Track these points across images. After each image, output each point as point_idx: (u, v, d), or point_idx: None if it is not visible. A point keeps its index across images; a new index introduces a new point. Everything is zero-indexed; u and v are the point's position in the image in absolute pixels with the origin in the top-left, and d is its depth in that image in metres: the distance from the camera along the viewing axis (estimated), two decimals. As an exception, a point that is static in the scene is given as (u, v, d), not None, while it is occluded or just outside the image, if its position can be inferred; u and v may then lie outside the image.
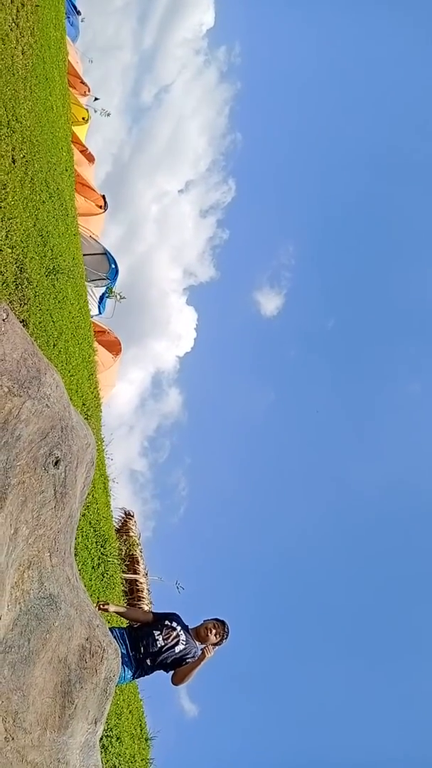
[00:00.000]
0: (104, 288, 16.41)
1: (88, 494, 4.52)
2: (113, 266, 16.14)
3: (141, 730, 7.88)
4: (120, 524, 12.98)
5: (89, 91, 19.38)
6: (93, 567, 7.41)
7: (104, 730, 4.84)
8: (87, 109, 18.37)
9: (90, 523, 7.68)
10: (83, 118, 17.69)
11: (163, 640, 4.33)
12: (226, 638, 4.56)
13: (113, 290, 16.47)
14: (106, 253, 16.13)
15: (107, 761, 5.54)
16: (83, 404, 8.36)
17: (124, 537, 12.48)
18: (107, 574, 8.08)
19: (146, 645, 4.32)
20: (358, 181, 39.66)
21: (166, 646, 4.31)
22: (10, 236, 5.92)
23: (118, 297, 16.52)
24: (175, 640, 4.34)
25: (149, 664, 4.32)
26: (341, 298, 40.17)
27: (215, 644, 4.51)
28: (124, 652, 4.21)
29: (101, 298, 16.51)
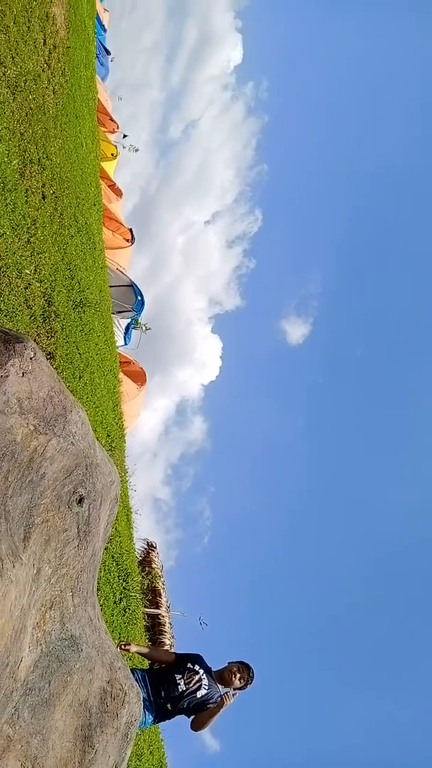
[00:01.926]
0: (130, 319, 16.56)
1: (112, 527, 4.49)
2: (139, 298, 16.30)
3: (162, 772, 7.68)
4: (142, 556, 12.88)
5: (118, 128, 19.87)
6: (115, 602, 7.32)
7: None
8: (116, 146, 18.80)
9: (113, 556, 7.62)
10: (112, 154, 18.09)
11: (185, 684, 4.20)
12: (250, 683, 4.41)
13: (139, 321, 16.61)
14: (132, 285, 16.32)
15: (127, 805, 5.38)
16: (108, 435, 8.37)
17: (147, 569, 12.37)
18: (129, 609, 7.98)
19: (167, 689, 4.20)
20: (384, 209, 39.89)
21: (188, 691, 4.18)
22: (39, 270, 6.01)
23: (144, 329, 16.66)
24: (197, 685, 4.21)
25: (170, 708, 4.20)
26: (369, 326, 40.10)
27: (239, 688, 4.38)
28: (145, 696, 4.09)
29: (127, 329, 16.65)
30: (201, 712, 4.19)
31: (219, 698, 4.21)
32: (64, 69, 9.72)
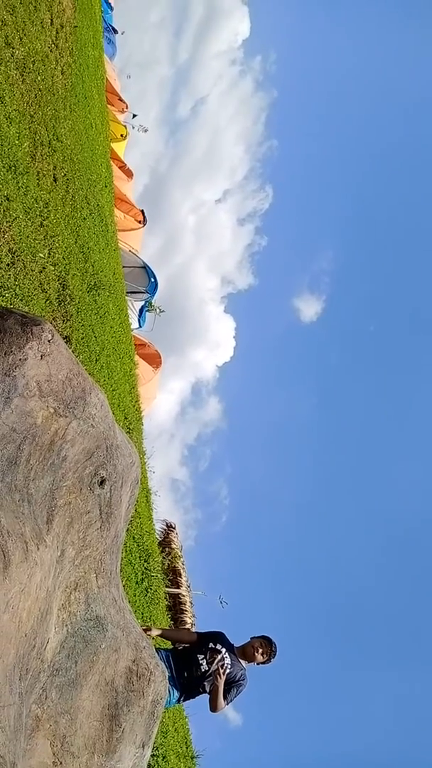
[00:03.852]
0: (143, 301, 16.52)
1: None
2: (152, 280, 16.25)
3: (187, 748, 7.79)
4: (162, 536, 12.97)
5: (127, 107, 19.68)
6: (137, 582, 7.38)
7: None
8: (125, 126, 18.64)
9: (133, 537, 7.68)
10: (122, 135, 17.94)
11: (207, 664, 4.23)
12: (273, 657, 4.44)
13: (153, 304, 16.57)
14: (145, 267, 16.26)
15: (154, 781, 5.48)
16: (125, 418, 8.39)
17: (167, 549, 12.46)
18: (151, 589, 8.05)
19: (190, 670, 4.23)
20: (396, 183, 39.30)
21: (211, 671, 4.21)
22: (52, 254, 5.99)
23: (158, 311, 16.62)
24: (220, 664, 4.24)
25: (194, 688, 4.23)
26: (382, 302, 39.76)
27: (263, 663, 4.41)
28: (170, 675, 4.12)
29: (141, 312, 16.62)
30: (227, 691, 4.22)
31: (241, 673, 4.24)
32: (72, 49, 9.61)
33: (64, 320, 5.99)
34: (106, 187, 11.80)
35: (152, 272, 16.40)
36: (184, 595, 12.35)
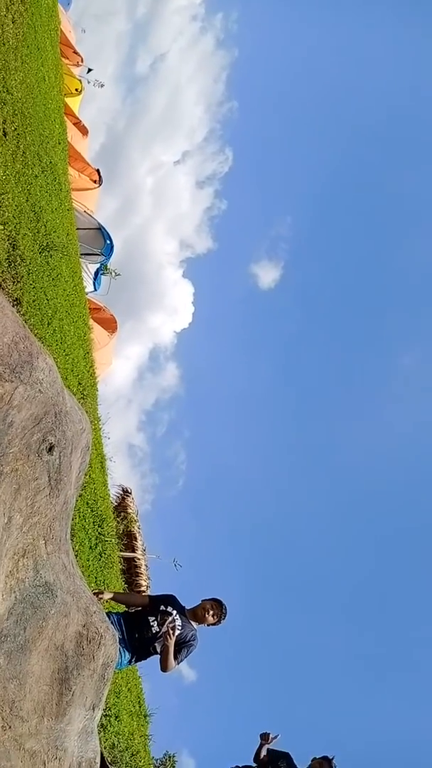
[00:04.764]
0: (99, 264, 16.19)
1: (85, 474, 4.48)
2: (108, 242, 15.90)
3: (140, 707, 7.94)
4: (118, 501, 12.99)
5: (82, 61, 18.99)
6: (90, 547, 7.39)
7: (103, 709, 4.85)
8: (80, 80, 18.00)
9: (87, 503, 7.65)
10: (76, 90, 17.33)
11: (158, 625, 4.30)
12: (223, 618, 4.55)
13: (108, 267, 16.26)
14: (100, 229, 15.89)
15: (106, 740, 5.57)
16: (79, 383, 8.28)
17: (122, 514, 12.50)
18: (105, 553, 8.07)
19: (141, 631, 4.29)
20: (356, 149, 39.16)
21: (162, 632, 4.28)
22: (2, 212, 5.78)
23: (114, 274, 16.34)
24: (170, 625, 4.31)
25: (145, 649, 4.30)
26: (339, 269, 39.95)
27: (212, 624, 4.51)
28: (121, 637, 4.18)
29: (96, 275, 16.30)
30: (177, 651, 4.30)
31: (191, 634, 4.33)
32: (23, -5, 9.15)
33: (14, 282, 5.81)
34: (59, 143, 11.40)
35: (108, 234, 16.04)
36: (139, 559, 12.46)
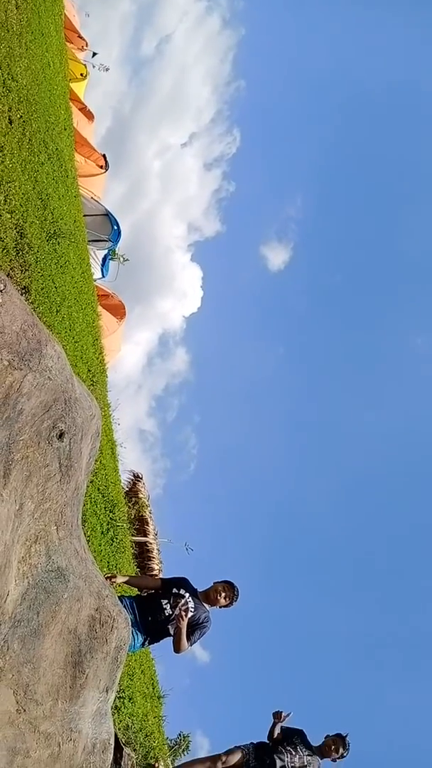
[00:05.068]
0: (106, 250, 16.15)
1: (96, 461, 4.51)
2: (115, 228, 15.84)
3: (153, 689, 8.04)
4: (129, 487, 13.07)
5: (87, 45, 18.82)
6: (102, 532, 7.45)
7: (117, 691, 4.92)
8: (85, 65, 17.85)
9: (98, 489, 7.70)
10: (81, 74, 17.18)
11: (171, 608, 4.35)
12: (235, 600, 4.60)
13: (116, 252, 16.22)
14: (107, 215, 15.83)
15: (120, 722, 5.65)
16: (88, 370, 8.30)
17: (134, 499, 12.58)
18: (117, 538, 8.14)
19: (155, 614, 4.34)
20: (366, 127, 38.72)
21: (174, 614, 4.33)
22: (9, 200, 5.77)
23: (122, 260, 16.30)
24: (183, 607, 4.36)
25: (159, 632, 4.35)
26: (349, 251, 39.67)
27: (225, 606, 4.56)
28: (133, 620, 4.23)
29: (104, 261, 16.26)
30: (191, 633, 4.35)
31: (205, 615, 4.37)
32: (26, -20, 9.07)
33: (22, 270, 5.82)
34: (65, 129, 11.34)
35: (115, 219, 15.98)
36: (151, 543, 12.55)
